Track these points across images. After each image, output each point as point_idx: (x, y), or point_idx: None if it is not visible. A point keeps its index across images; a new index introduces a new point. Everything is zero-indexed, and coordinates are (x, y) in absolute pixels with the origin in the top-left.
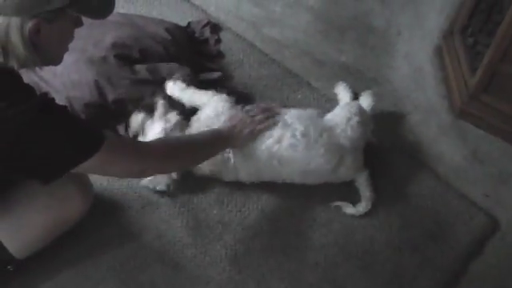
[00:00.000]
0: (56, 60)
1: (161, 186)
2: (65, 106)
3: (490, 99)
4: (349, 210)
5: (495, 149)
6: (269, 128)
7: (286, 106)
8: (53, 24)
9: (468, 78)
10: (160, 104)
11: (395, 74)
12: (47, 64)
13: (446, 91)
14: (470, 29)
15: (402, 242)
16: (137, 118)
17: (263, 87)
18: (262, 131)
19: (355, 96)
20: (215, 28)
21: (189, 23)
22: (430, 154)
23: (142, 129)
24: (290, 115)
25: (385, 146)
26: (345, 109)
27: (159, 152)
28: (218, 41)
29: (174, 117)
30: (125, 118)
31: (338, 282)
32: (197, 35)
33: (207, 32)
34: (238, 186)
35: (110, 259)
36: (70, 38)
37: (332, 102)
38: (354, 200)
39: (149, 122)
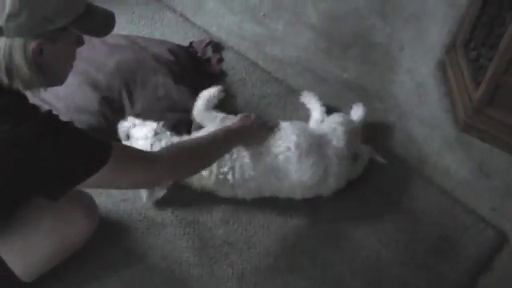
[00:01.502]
0: (61, 80)
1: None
2: (70, 122)
3: (494, 112)
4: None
5: (501, 162)
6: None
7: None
8: (56, 44)
9: (472, 92)
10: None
11: (398, 89)
12: (52, 84)
13: (449, 105)
14: (473, 42)
15: (409, 258)
16: (122, 124)
17: (266, 106)
18: (272, 128)
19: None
20: (217, 47)
21: (191, 43)
22: (436, 169)
23: (128, 134)
24: (284, 127)
25: (389, 161)
26: (330, 118)
27: (171, 156)
28: (221, 60)
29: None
30: None
31: None
32: (199, 55)
33: (209, 51)
34: (242, 203)
35: (115, 281)
36: (73, 57)
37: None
38: (365, 215)
39: (138, 126)
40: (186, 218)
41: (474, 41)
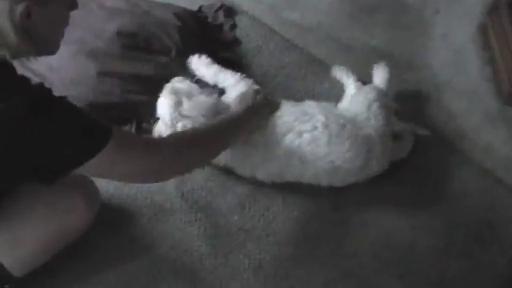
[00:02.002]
0: (51, 47)
1: None
2: (64, 97)
3: None
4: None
5: None
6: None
7: (312, 96)
8: (45, 7)
9: None
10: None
11: (433, 57)
12: (42, 53)
13: (492, 74)
14: None
15: (446, 246)
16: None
17: (285, 77)
18: (279, 105)
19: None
20: (230, 12)
21: (200, 7)
22: (476, 146)
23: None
24: (309, 104)
25: (424, 138)
26: (361, 95)
27: (177, 144)
28: (234, 26)
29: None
30: (133, 119)
31: None
32: (209, 20)
33: (221, 16)
34: (260, 186)
35: (120, 274)
36: (65, 22)
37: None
38: (397, 198)
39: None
40: (197, 203)
41: None
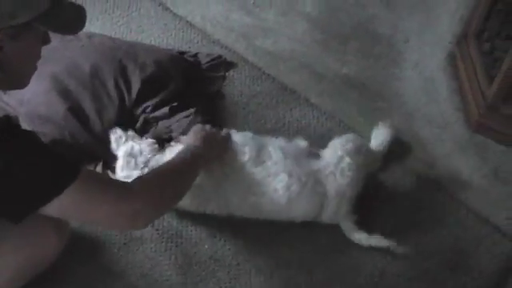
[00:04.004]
0: (22, 81)
1: None
2: (31, 132)
3: (510, 110)
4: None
5: None
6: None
7: (283, 125)
8: (17, 41)
9: (485, 88)
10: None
11: (404, 85)
12: (12, 86)
13: (460, 103)
14: (487, 32)
15: (417, 274)
16: (115, 134)
17: (257, 106)
18: (229, 136)
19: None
20: (226, 65)
21: (196, 54)
22: (446, 174)
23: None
24: (274, 159)
25: (395, 166)
26: (337, 145)
27: (148, 188)
28: (223, 78)
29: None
30: (100, 158)
31: None
32: (203, 67)
33: (218, 69)
34: (229, 216)
35: None
36: (37, 56)
37: (334, 120)
38: (367, 227)
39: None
40: (167, 232)
41: (487, 31)
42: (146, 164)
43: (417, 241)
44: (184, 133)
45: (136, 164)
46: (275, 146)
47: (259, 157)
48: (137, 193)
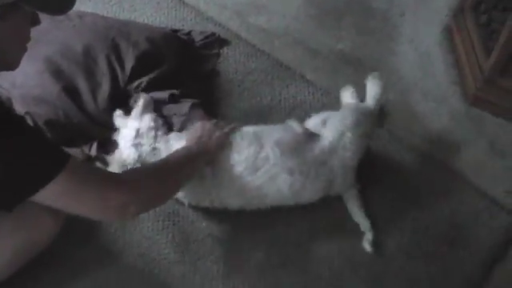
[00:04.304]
0: (11, 63)
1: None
2: (21, 118)
3: (508, 83)
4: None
5: None
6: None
7: (279, 102)
8: (4, 21)
9: (482, 61)
10: (143, 99)
11: (400, 60)
12: (2, 67)
13: (457, 76)
14: (483, 4)
15: (415, 249)
16: (120, 118)
17: (252, 83)
18: (231, 132)
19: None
20: (220, 43)
21: (189, 32)
22: (443, 148)
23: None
24: (272, 162)
25: (392, 140)
26: (337, 122)
27: (138, 181)
28: (218, 56)
29: (149, 119)
30: (91, 139)
31: None
32: (196, 45)
33: (212, 46)
34: None
35: (88, 284)
36: (26, 38)
37: (330, 96)
38: (365, 201)
39: (123, 121)
40: (164, 211)
41: (484, 3)
42: (155, 141)
43: (414, 215)
44: (183, 126)
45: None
46: (272, 144)
47: (257, 162)
48: (126, 185)
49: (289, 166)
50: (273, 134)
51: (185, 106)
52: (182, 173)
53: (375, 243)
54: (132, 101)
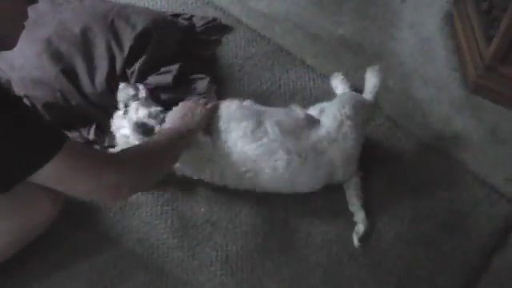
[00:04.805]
0: (9, 43)
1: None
2: (19, 99)
3: (508, 70)
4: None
5: None
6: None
7: (279, 87)
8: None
9: (483, 48)
10: (142, 89)
11: (400, 46)
12: (0, 47)
13: (458, 63)
14: None
15: (414, 237)
16: (126, 91)
17: (252, 67)
18: (214, 108)
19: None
20: (221, 29)
21: (191, 16)
22: (443, 135)
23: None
24: (271, 137)
25: (391, 127)
26: (335, 111)
27: (132, 161)
28: (218, 42)
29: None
30: (89, 122)
31: (344, 284)
32: (197, 31)
33: (212, 32)
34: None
35: (86, 269)
36: (23, 16)
37: (329, 82)
38: (364, 189)
39: (135, 104)
40: (163, 196)
41: None
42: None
43: (413, 203)
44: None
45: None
46: (272, 122)
47: (255, 133)
48: (120, 165)
49: (287, 145)
50: (274, 114)
51: (201, 84)
52: (173, 151)
53: (364, 237)
54: (132, 80)
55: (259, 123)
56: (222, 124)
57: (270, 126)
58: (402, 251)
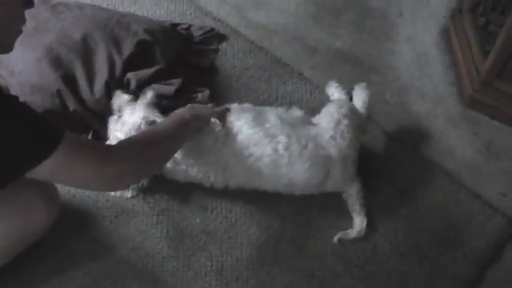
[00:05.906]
0: (6, 45)
1: (131, 192)
2: (15, 96)
3: (504, 85)
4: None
5: None
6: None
7: (276, 99)
8: None
9: (479, 63)
10: (149, 93)
11: (397, 60)
12: None
13: (454, 78)
14: (481, 6)
15: (409, 249)
16: (121, 97)
17: (249, 79)
18: (223, 111)
19: (350, 95)
20: (219, 38)
21: (189, 26)
22: (439, 149)
23: (122, 110)
24: (272, 122)
25: (387, 140)
26: (332, 110)
27: (131, 150)
28: (216, 51)
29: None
30: (87, 128)
31: None
32: (195, 40)
33: (210, 41)
34: (223, 189)
35: (81, 276)
36: (19, 21)
37: (326, 94)
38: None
39: (129, 108)
40: (159, 205)
41: (482, 5)
42: None
43: (409, 216)
44: None
45: None
46: (272, 113)
47: (257, 120)
48: (120, 154)
49: (287, 131)
50: (274, 109)
51: (202, 95)
52: (176, 138)
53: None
54: (132, 86)
55: (261, 113)
56: (227, 115)
57: (270, 115)
58: (397, 263)
